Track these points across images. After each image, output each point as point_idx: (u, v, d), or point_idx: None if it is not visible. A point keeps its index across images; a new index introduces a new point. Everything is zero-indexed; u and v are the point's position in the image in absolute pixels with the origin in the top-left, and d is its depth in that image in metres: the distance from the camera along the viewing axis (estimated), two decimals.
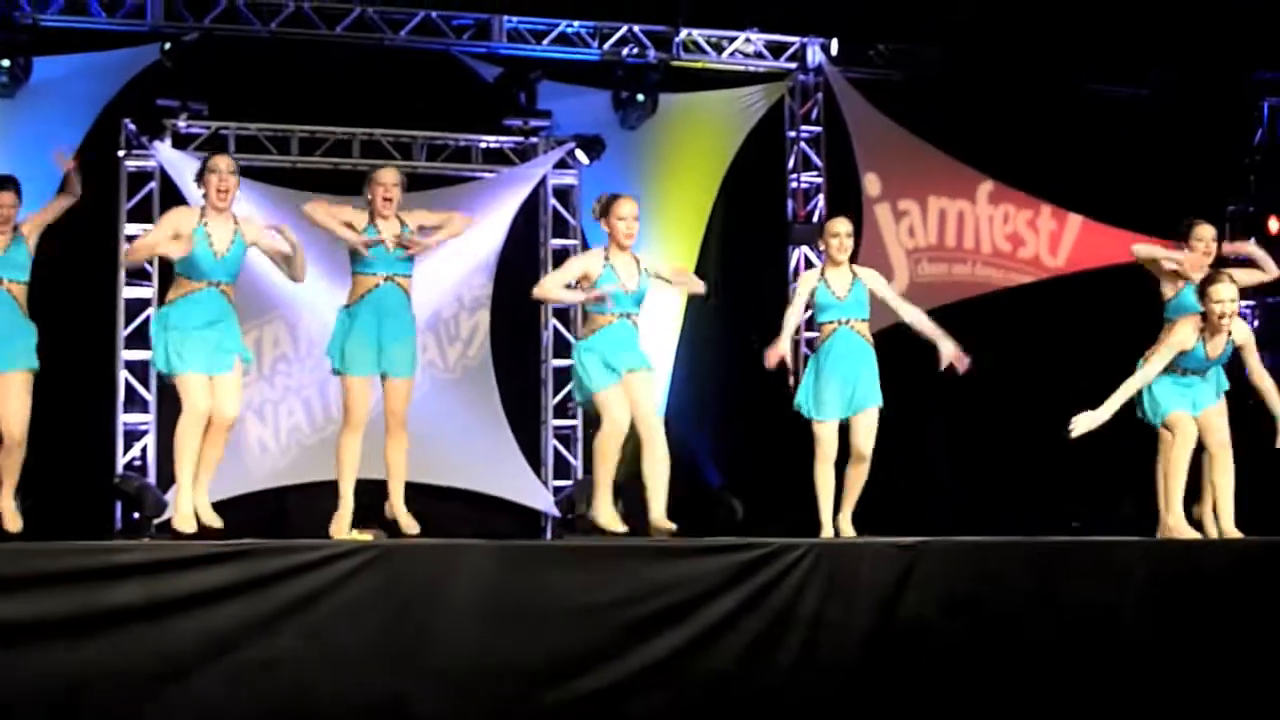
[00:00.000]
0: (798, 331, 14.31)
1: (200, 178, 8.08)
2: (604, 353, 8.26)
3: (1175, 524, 8.60)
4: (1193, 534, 8.57)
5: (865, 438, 8.70)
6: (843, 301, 8.78)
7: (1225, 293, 8.37)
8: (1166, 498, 8.62)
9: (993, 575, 7.57)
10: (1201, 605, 7.74)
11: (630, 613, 6.96)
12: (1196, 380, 8.67)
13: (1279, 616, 7.77)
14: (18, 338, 8.43)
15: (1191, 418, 8.62)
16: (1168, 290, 9.07)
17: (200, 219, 7.96)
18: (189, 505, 7.86)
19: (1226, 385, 8.85)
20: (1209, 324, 8.46)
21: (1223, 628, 7.72)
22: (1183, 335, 8.49)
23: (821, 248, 9.09)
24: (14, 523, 8.19)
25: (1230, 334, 8.50)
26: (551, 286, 8.68)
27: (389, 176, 8.38)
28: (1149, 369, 8.56)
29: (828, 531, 8.75)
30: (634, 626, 6.96)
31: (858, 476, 8.75)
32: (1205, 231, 8.98)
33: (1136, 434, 8.93)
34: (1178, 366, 8.55)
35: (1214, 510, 8.73)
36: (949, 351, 8.81)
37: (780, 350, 8.71)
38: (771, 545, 7.28)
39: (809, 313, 9.19)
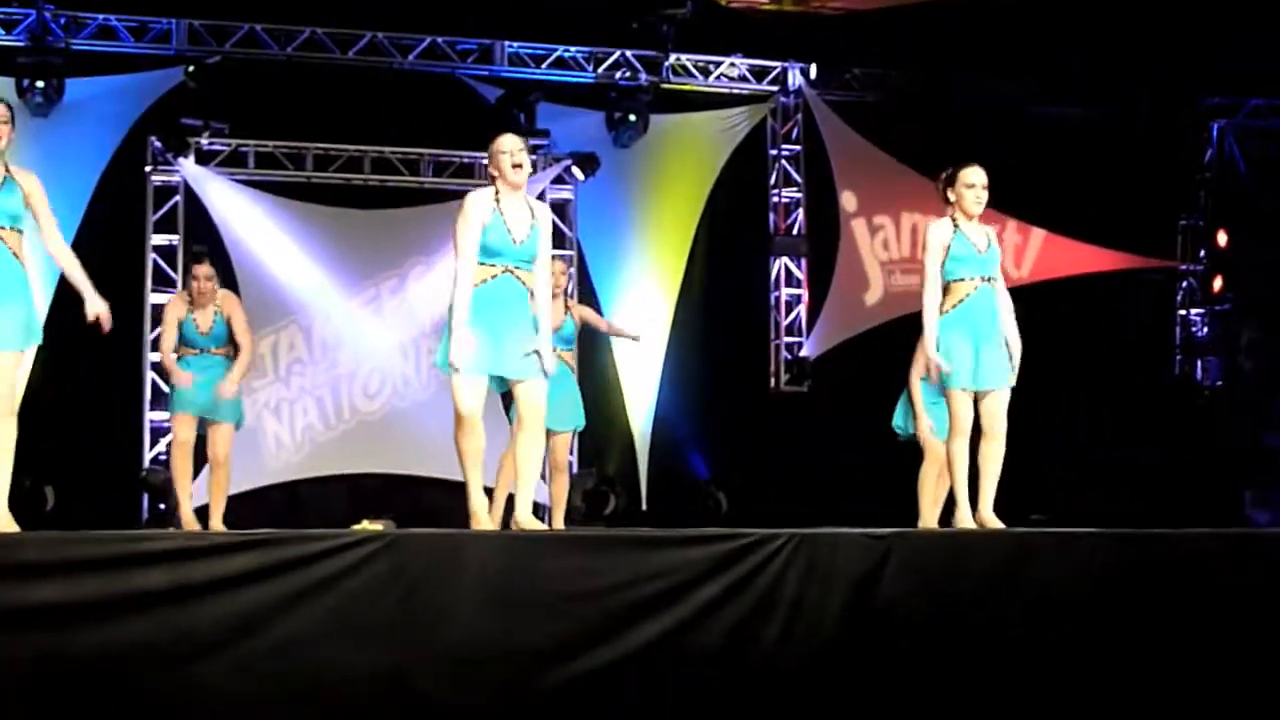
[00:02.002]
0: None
1: None
2: None
3: None
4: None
5: (994, 418, 7.78)
6: (983, 255, 7.58)
7: None
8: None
9: (960, 561, 7.58)
10: (1153, 591, 7.76)
11: (624, 597, 6.94)
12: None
13: (1222, 598, 7.81)
14: (10, 301, 6.86)
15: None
16: None
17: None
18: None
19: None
20: None
21: (1172, 611, 7.75)
22: None
23: (952, 198, 7.61)
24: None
25: None
26: None
27: (513, 143, 7.20)
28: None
29: (966, 516, 7.94)
30: (627, 610, 6.94)
31: (992, 456, 7.83)
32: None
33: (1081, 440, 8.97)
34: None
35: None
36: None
37: (936, 361, 7.62)
38: (755, 535, 7.27)
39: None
